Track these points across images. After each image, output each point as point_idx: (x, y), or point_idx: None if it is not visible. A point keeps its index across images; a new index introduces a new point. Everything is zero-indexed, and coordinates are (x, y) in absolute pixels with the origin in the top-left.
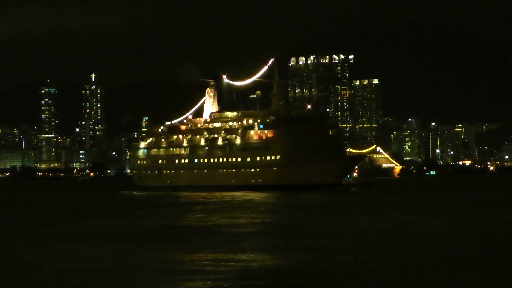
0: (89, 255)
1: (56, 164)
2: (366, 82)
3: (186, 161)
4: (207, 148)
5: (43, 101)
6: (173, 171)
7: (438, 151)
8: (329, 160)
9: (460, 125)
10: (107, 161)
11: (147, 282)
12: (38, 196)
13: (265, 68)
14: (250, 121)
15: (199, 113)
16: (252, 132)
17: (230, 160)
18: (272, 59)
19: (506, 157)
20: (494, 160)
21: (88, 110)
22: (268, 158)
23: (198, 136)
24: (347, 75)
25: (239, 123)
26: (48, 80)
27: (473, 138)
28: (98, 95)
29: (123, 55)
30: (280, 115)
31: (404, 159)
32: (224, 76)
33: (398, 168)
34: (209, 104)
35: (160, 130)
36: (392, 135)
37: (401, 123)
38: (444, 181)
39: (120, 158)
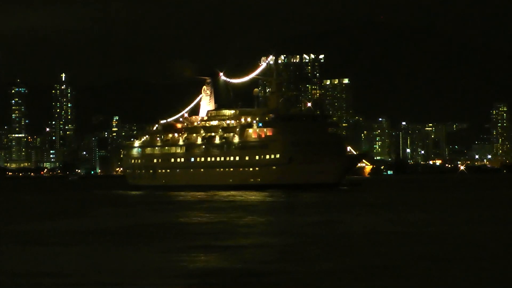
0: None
1: (26, 164)
2: (336, 81)
3: (182, 160)
4: (203, 146)
5: (13, 101)
6: (168, 171)
7: (408, 150)
8: (329, 159)
9: (431, 124)
10: (77, 161)
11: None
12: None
13: (263, 65)
14: (248, 119)
15: (194, 111)
16: (250, 130)
17: (227, 159)
18: (271, 56)
19: (476, 156)
20: (465, 159)
21: (58, 110)
22: (267, 157)
23: (194, 135)
24: (317, 74)
25: (237, 121)
26: (18, 80)
27: (444, 138)
28: (68, 94)
29: (94, 55)
30: (280, 113)
31: (375, 158)
32: (221, 74)
33: (368, 168)
34: (206, 102)
35: (154, 128)
36: (362, 135)
37: (371, 123)
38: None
39: (90, 158)
